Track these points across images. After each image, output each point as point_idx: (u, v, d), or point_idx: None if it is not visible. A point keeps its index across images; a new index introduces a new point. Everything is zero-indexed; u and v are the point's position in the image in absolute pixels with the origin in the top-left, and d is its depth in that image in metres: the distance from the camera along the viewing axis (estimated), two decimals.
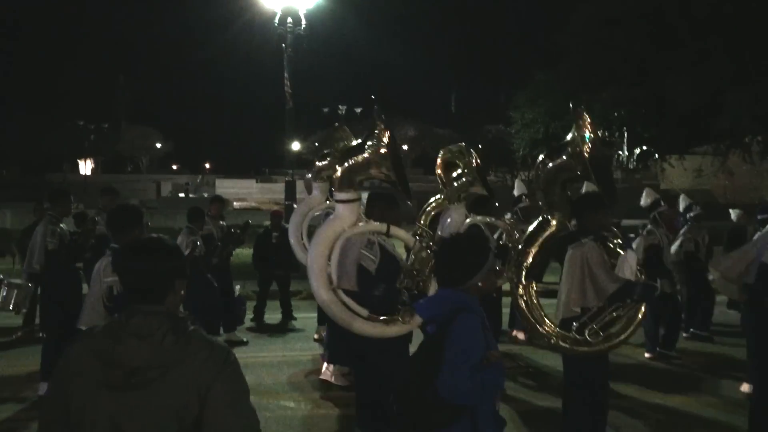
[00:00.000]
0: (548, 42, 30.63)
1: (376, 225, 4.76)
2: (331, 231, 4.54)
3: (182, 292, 2.25)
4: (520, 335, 8.57)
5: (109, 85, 68.34)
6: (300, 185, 19.98)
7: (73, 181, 50.48)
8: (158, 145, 72.72)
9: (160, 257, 2.19)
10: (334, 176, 4.90)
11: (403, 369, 3.07)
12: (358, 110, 66.37)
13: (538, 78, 30.92)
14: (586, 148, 4.44)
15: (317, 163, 6.27)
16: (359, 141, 4.86)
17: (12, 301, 7.40)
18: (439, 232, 5.47)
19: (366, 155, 4.62)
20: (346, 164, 4.68)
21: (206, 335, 2.20)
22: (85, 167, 66.82)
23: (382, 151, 4.54)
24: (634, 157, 33.54)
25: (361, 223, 4.68)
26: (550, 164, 4.77)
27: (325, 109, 70.50)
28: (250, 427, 2.15)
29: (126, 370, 2.04)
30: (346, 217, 4.57)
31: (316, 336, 8.52)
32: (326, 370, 6.82)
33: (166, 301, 2.17)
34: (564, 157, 4.66)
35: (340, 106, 70.79)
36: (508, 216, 8.21)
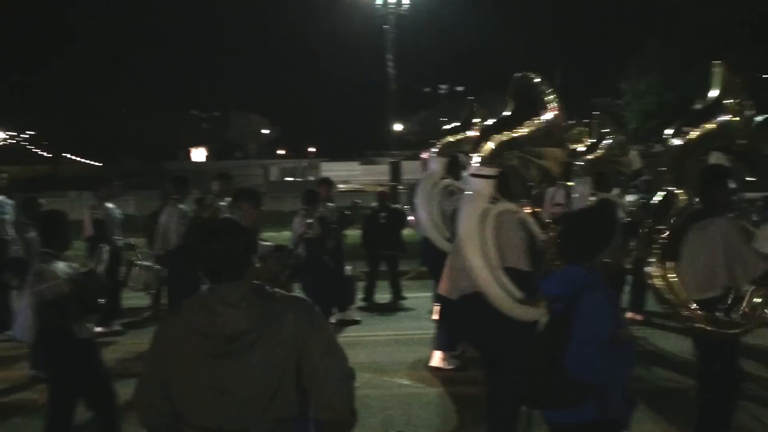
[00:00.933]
0: (659, 8, 29.12)
1: (510, 204, 4.51)
2: (477, 208, 4.29)
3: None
4: (637, 317, 8.24)
5: (220, 75, 70.90)
6: (406, 165, 20.15)
7: (188, 168, 52.91)
8: (265, 131, 74.99)
9: (236, 237, 2.31)
10: (478, 151, 4.52)
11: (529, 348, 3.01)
12: (460, 89, 65.68)
13: (650, 46, 29.46)
14: (749, 113, 4.09)
15: (448, 138, 6.20)
16: (505, 115, 4.53)
17: (143, 282, 7.89)
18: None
19: (532, 128, 4.28)
20: (500, 139, 4.40)
21: (286, 293, 2.36)
22: (198, 155, 69.88)
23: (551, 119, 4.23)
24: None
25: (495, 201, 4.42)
26: (692, 133, 4.45)
27: (426, 89, 70.25)
28: (345, 372, 2.31)
29: (226, 338, 2.17)
30: (488, 193, 4.32)
31: (434, 316, 8.54)
32: (436, 356, 6.75)
33: (244, 275, 2.28)
34: (714, 125, 4.33)
35: (441, 86, 70.32)
36: (617, 191, 7.91)
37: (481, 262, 4.11)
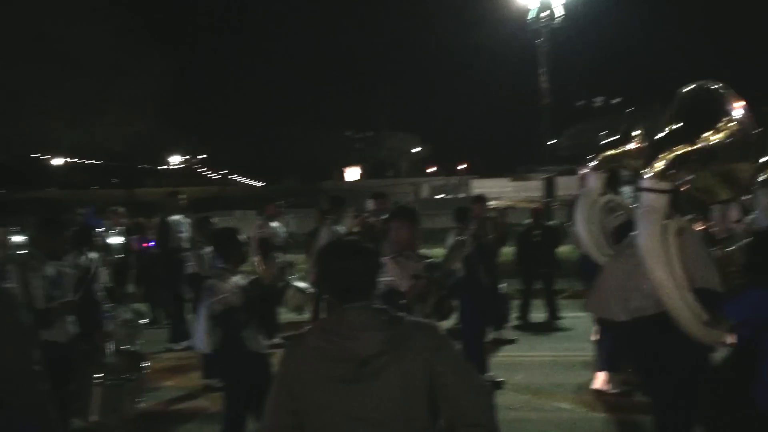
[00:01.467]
0: None
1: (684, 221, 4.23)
2: (654, 224, 4.06)
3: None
4: None
5: (372, 95, 72.99)
6: (560, 181, 19.54)
7: (342, 187, 54.67)
8: (416, 150, 75.98)
9: (364, 257, 2.31)
10: (650, 165, 4.21)
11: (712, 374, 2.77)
12: (616, 101, 63.00)
13: None
14: None
15: (606, 152, 5.97)
16: (677, 127, 4.24)
17: (295, 304, 8.16)
18: None
19: (721, 140, 3.97)
20: (675, 152, 4.11)
21: (410, 317, 2.33)
22: (352, 174, 72.10)
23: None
24: None
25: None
26: None
27: (580, 102, 68.07)
28: (483, 387, 2.30)
29: (356, 363, 2.14)
30: (662, 209, 4.04)
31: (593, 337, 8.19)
32: (599, 378, 6.44)
33: (370, 296, 2.27)
34: None
35: (595, 99, 67.83)
36: None
37: (669, 282, 3.83)
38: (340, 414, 2.16)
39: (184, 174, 73.57)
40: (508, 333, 8.77)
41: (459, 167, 78.79)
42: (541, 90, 15.38)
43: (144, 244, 10.67)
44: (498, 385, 6.50)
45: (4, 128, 21.78)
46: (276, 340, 8.46)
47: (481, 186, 52.62)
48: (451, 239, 7.80)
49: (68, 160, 41.03)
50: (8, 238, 8.68)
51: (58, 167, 48.46)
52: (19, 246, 7.69)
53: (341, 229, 7.91)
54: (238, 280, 4.66)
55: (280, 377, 2.32)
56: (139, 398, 5.04)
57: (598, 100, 67.74)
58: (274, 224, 9.28)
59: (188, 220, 8.87)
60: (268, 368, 4.69)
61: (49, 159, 40.54)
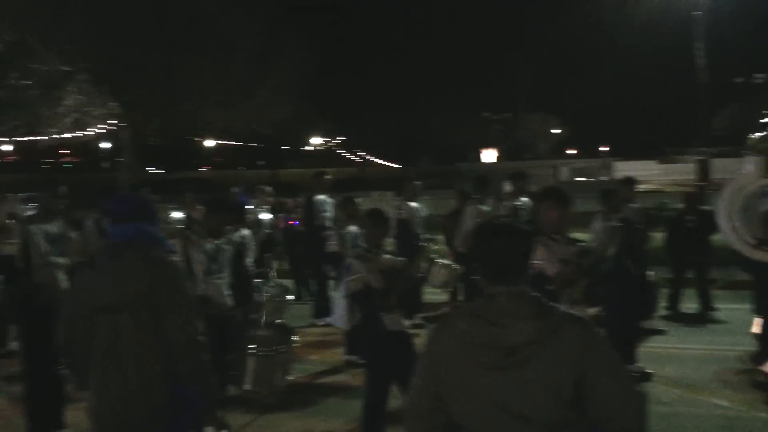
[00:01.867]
0: None
1: None
2: None
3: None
4: None
5: (509, 76, 71.58)
6: (715, 163, 18.26)
7: (479, 169, 54.18)
8: (555, 131, 73.83)
9: (519, 238, 2.26)
10: None
11: None
12: None
13: None
14: None
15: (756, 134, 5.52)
16: None
17: (442, 279, 8.18)
18: None
19: None
20: None
21: (563, 309, 2.23)
22: (488, 156, 71.26)
23: None
24: None
25: None
26: None
27: (738, 79, 63.15)
28: (638, 395, 2.16)
29: (504, 350, 2.08)
30: None
31: (754, 329, 7.64)
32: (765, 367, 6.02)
33: (522, 281, 2.20)
34: None
35: (756, 75, 62.63)
36: None
37: None
38: (483, 401, 2.12)
39: (324, 155, 75.87)
40: (656, 323, 8.33)
41: (601, 149, 75.83)
42: (698, 66, 14.33)
43: (289, 222, 11.12)
44: (646, 377, 6.21)
45: (164, 112, 23.43)
46: (417, 321, 8.60)
47: (625, 168, 50.34)
48: (597, 223, 7.51)
49: (219, 142, 43.42)
50: (170, 214, 9.32)
51: (210, 149, 51.44)
52: (179, 222, 8.27)
53: (486, 209, 7.84)
54: (382, 260, 4.72)
55: (424, 359, 2.31)
56: (289, 370, 5.27)
57: (760, 77, 62.42)
58: (413, 204, 9.34)
59: (332, 200, 9.12)
60: (409, 347, 4.73)
61: (201, 141, 43.13)
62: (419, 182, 9.98)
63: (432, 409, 2.24)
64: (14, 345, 6.05)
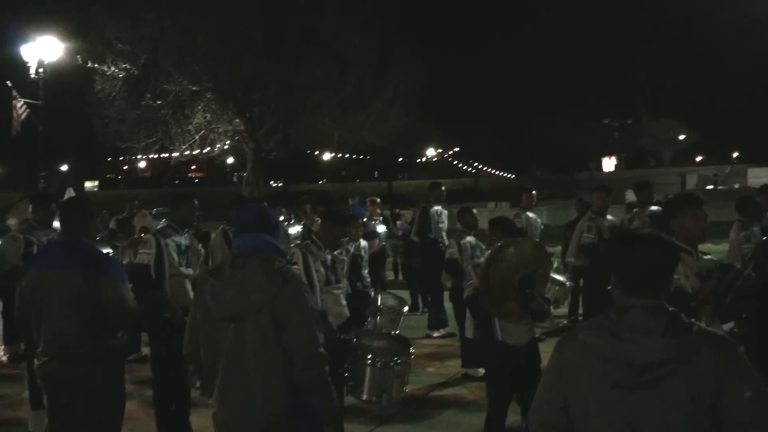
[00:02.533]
0: None
1: None
2: None
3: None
4: None
5: (630, 81, 68.91)
6: None
7: (598, 178, 52.48)
8: (682, 137, 70.31)
9: (663, 251, 2.11)
10: None
11: None
12: None
13: None
14: None
15: None
16: None
17: (553, 296, 7.89)
18: None
19: None
20: None
21: (705, 328, 2.05)
22: (609, 164, 68.84)
23: None
24: None
25: None
26: None
27: None
28: None
29: (634, 368, 1.95)
30: None
31: None
32: None
33: (661, 295, 2.05)
34: None
35: None
36: None
37: None
38: (610, 421, 2.00)
39: (439, 167, 76.01)
40: None
41: (733, 155, 71.44)
42: None
43: (403, 233, 11.18)
44: None
45: (283, 127, 24.27)
46: (537, 335, 8.35)
47: (758, 175, 47.22)
48: (734, 233, 7.00)
49: (336, 155, 44.52)
50: (284, 224, 9.58)
51: (327, 162, 52.85)
52: (297, 236, 8.47)
53: (608, 220, 7.53)
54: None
55: (550, 372, 2.22)
56: (406, 381, 5.24)
57: None
58: (530, 214, 9.13)
59: (447, 211, 9.07)
60: (528, 360, 4.58)
61: (319, 155, 44.37)
62: (536, 192, 9.75)
63: (558, 425, 2.15)
64: (146, 351, 6.38)
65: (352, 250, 7.12)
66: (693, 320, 2.07)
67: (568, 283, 7.78)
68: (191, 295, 4.61)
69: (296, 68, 22.17)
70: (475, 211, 7.79)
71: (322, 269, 4.68)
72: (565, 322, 9.16)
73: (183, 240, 5.10)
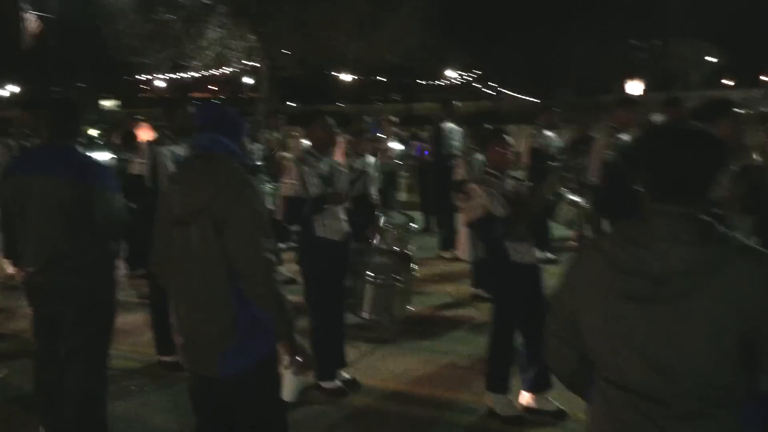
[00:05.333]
0: None
1: None
2: None
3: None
4: None
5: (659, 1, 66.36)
6: None
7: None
8: (710, 59, 68.10)
9: (712, 148, 1.77)
10: None
11: None
12: None
13: None
14: None
15: None
16: None
17: (567, 217, 7.59)
18: None
19: None
20: None
21: (747, 242, 1.70)
22: (633, 87, 67.08)
23: None
24: None
25: None
26: None
27: None
28: None
29: (651, 279, 1.67)
30: None
31: None
32: None
33: (696, 202, 1.73)
34: None
35: None
36: None
37: None
38: (623, 339, 1.73)
39: (459, 89, 74.64)
40: None
41: (762, 78, 69.28)
42: None
43: (422, 153, 10.89)
44: None
45: (298, 44, 23.58)
46: (549, 255, 8.13)
47: None
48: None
49: (355, 77, 43.73)
50: (302, 142, 9.31)
51: (346, 83, 52.05)
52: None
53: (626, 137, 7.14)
54: (505, 184, 4.35)
55: (562, 284, 1.97)
56: (409, 300, 5.08)
57: None
58: (549, 133, 8.77)
59: (461, 128, 8.72)
60: (538, 281, 4.40)
61: (337, 76, 43.60)
62: (557, 110, 9.32)
63: (566, 341, 1.94)
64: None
65: (361, 166, 6.86)
66: (731, 233, 1.75)
67: (585, 204, 7.48)
68: None
69: None
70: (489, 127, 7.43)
71: (317, 180, 4.45)
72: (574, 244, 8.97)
73: (180, 150, 4.96)
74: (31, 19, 19.70)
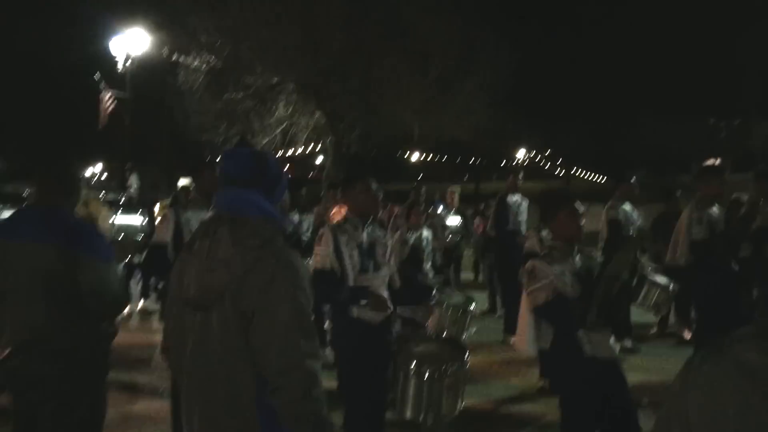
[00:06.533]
0: None
1: None
2: None
3: None
4: None
5: (739, 75, 64.84)
6: None
7: None
8: None
9: None
10: None
11: None
12: None
13: None
14: None
15: None
16: None
17: (651, 301, 6.69)
18: None
19: None
20: None
21: None
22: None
23: None
24: None
25: None
26: None
27: None
28: None
29: None
30: None
31: None
32: None
33: None
34: None
35: None
36: None
37: None
38: None
39: (528, 169, 74.00)
40: None
41: None
42: None
43: (483, 227, 10.26)
44: None
45: (363, 120, 23.58)
46: (628, 344, 7.18)
47: None
48: None
49: (421, 156, 43.90)
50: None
51: (414, 164, 52.32)
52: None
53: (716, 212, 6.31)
54: (574, 261, 3.61)
55: (672, 402, 1.26)
56: (461, 394, 4.29)
57: None
58: (627, 207, 7.94)
59: (527, 200, 8.03)
60: (618, 377, 3.60)
61: (404, 154, 43.85)
62: (636, 184, 8.48)
63: None
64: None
65: (412, 240, 6.26)
66: None
67: (671, 286, 6.54)
68: None
69: (378, 58, 21.48)
70: None
71: (356, 254, 3.80)
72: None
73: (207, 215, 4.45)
74: (106, 98, 20.38)
